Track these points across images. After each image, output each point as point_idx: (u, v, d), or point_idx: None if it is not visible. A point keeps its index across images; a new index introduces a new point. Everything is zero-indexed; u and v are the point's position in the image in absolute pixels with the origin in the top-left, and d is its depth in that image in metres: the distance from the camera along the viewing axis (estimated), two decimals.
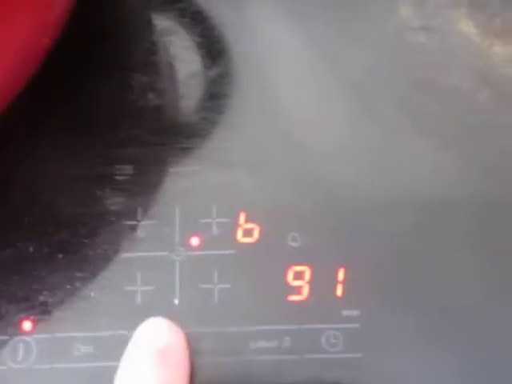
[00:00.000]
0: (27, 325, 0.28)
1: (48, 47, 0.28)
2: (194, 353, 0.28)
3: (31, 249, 0.30)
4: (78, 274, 0.29)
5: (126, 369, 0.27)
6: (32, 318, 0.29)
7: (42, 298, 0.29)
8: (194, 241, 0.29)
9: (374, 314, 0.28)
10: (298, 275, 0.29)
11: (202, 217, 0.30)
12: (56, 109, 0.32)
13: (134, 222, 0.30)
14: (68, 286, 0.29)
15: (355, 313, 0.28)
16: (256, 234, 0.30)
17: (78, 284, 0.29)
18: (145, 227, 0.30)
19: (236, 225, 0.30)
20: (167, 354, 0.27)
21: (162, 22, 0.34)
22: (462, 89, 0.32)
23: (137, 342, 0.27)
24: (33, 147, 0.31)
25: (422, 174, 0.31)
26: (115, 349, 0.27)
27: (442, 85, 0.32)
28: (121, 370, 0.27)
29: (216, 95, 0.32)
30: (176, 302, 0.29)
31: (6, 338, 0.28)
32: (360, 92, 0.32)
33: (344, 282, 0.29)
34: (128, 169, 0.31)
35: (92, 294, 0.29)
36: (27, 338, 0.28)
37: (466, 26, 0.33)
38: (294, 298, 0.29)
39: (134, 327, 0.28)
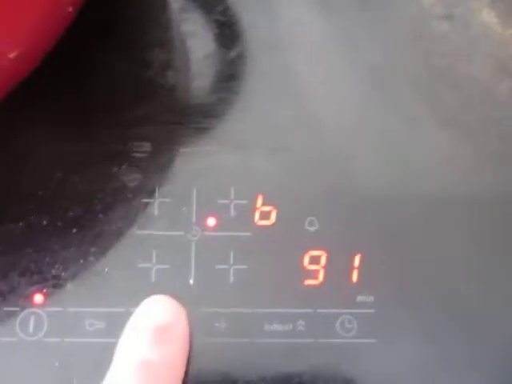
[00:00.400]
0: (39, 298, 0.28)
1: (71, 18, 0.28)
2: (207, 333, 0.28)
3: (45, 222, 0.29)
4: (92, 249, 0.29)
5: (126, 344, 0.27)
6: (44, 291, 0.28)
7: (54, 272, 0.29)
8: (211, 221, 0.29)
9: (389, 300, 0.28)
10: (314, 259, 0.29)
11: (220, 198, 0.30)
12: (73, 85, 0.31)
13: (150, 200, 0.30)
14: (81, 261, 0.29)
15: (370, 298, 0.28)
16: (273, 216, 0.29)
17: (91, 259, 0.29)
18: (161, 205, 0.29)
19: (253, 207, 0.29)
20: (167, 331, 0.27)
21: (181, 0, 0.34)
22: (483, 78, 0.32)
23: (138, 318, 0.27)
24: (50, 123, 0.31)
25: (439, 164, 0.31)
26: None
27: (462, 74, 0.32)
28: (120, 345, 0.27)
29: (234, 76, 0.32)
30: (191, 281, 0.28)
31: (18, 309, 0.28)
32: (379, 78, 0.32)
33: (359, 268, 0.29)
34: (145, 146, 0.30)
35: (106, 270, 0.29)
36: (39, 311, 0.28)
37: (488, 16, 0.33)
38: (309, 282, 0.29)
39: None
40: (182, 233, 0.29)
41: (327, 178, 0.30)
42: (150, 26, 0.33)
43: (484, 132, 0.32)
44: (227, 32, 0.33)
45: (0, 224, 0.29)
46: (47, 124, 0.31)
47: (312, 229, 0.29)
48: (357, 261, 0.29)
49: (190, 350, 0.27)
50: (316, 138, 0.31)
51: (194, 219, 0.29)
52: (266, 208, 0.29)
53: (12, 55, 0.23)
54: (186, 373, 0.27)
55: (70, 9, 0.26)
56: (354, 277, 0.29)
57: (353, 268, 0.29)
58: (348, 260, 0.29)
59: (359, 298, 0.28)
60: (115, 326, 0.28)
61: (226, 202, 0.30)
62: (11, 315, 0.28)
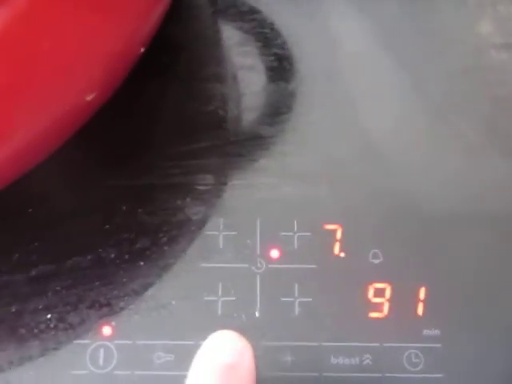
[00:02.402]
0: (108, 330, 0.29)
1: (139, 55, 0.28)
2: (273, 366, 0.28)
3: (112, 255, 0.30)
4: (159, 282, 0.29)
5: (195, 382, 0.27)
6: (113, 323, 0.29)
7: (122, 304, 0.29)
8: (275, 253, 0.29)
9: (456, 334, 0.28)
10: (379, 292, 0.29)
11: (283, 230, 0.30)
12: (136, 120, 0.32)
13: (215, 233, 0.30)
14: (149, 293, 0.29)
15: (436, 332, 0.28)
16: (337, 249, 0.30)
17: (158, 291, 0.29)
18: (226, 238, 0.30)
19: (317, 239, 0.30)
20: (235, 369, 0.27)
21: (239, 33, 0.35)
22: None
23: (205, 354, 0.27)
24: (114, 157, 0.32)
25: (503, 193, 0.31)
26: None
27: None
28: (189, 382, 0.27)
29: (294, 108, 0.33)
30: (257, 313, 0.29)
31: (88, 342, 0.29)
32: (439, 108, 0.32)
33: (425, 301, 0.29)
34: (208, 178, 0.31)
35: (173, 303, 0.29)
36: (108, 344, 0.28)
37: None
38: (374, 315, 0.29)
39: None
40: (247, 265, 0.29)
41: (391, 210, 0.30)
42: (210, 61, 0.34)
43: None
44: (285, 65, 0.33)
45: (68, 257, 0.30)
46: (112, 158, 0.32)
47: (376, 261, 0.29)
48: (422, 293, 0.29)
49: None
50: (377, 168, 0.31)
51: (258, 252, 0.30)
52: (330, 240, 0.30)
53: (89, 98, 0.24)
54: None
55: (142, 49, 0.26)
56: (420, 310, 0.29)
57: (418, 301, 0.29)
58: (413, 293, 0.29)
59: (425, 332, 0.28)
60: (184, 358, 0.28)
61: (289, 234, 0.30)
62: (81, 348, 0.28)
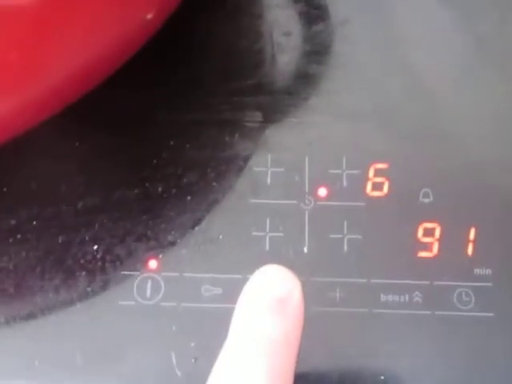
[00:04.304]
0: (155, 263, 0.29)
1: None
2: (322, 302, 0.28)
3: (160, 189, 0.30)
4: (207, 217, 0.29)
5: (241, 316, 0.26)
6: (160, 256, 0.29)
7: (170, 238, 0.29)
8: (323, 191, 0.29)
9: (507, 273, 0.28)
10: (429, 232, 0.28)
11: (332, 168, 0.29)
12: (186, 56, 0.32)
13: (263, 169, 0.30)
14: (196, 228, 0.29)
15: (487, 272, 0.28)
16: (386, 188, 0.29)
17: (206, 226, 0.29)
18: (274, 174, 0.30)
19: (366, 177, 0.29)
20: (284, 303, 0.26)
21: None
22: None
23: (253, 288, 0.26)
24: (164, 92, 0.31)
25: None
26: None
27: None
28: (236, 316, 0.26)
29: (346, 46, 0.32)
30: (305, 249, 0.28)
31: (135, 274, 0.28)
32: (493, 49, 0.32)
33: (475, 241, 0.28)
34: (257, 115, 0.31)
35: (220, 237, 0.29)
36: (156, 276, 0.28)
37: None
38: (423, 254, 0.28)
39: None
40: (295, 202, 0.29)
41: (441, 149, 0.30)
42: None
43: None
44: (335, 3, 0.33)
45: (115, 190, 0.30)
46: (160, 94, 0.31)
47: (426, 200, 0.29)
48: (472, 234, 0.28)
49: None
50: (428, 107, 0.31)
51: (306, 189, 0.29)
52: (379, 179, 0.29)
53: (149, 16, 0.23)
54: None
55: None
56: (470, 250, 0.28)
57: (468, 241, 0.28)
58: (463, 233, 0.28)
59: (476, 271, 0.28)
60: (232, 291, 0.27)
61: (338, 171, 0.29)
62: (128, 279, 0.28)
